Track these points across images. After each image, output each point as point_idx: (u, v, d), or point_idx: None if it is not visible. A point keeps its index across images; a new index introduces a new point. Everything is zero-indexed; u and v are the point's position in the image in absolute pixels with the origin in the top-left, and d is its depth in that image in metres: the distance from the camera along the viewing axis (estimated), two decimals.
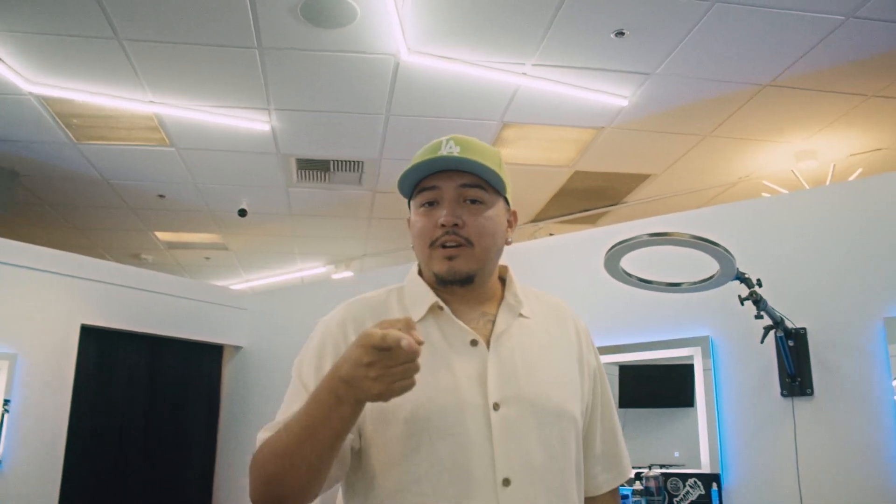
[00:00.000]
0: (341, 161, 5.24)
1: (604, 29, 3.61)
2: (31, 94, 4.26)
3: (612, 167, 5.32)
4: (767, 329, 3.19)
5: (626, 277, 3.27)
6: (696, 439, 3.73)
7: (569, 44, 3.75)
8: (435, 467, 1.14)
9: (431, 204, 1.24)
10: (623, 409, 3.97)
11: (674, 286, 3.32)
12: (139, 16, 3.54)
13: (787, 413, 3.33)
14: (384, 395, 0.99)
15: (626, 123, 4.60)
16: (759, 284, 3.00)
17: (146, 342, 4.94)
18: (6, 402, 4.42)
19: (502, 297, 1.31)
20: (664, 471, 3.72)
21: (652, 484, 3.70)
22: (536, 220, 6.31)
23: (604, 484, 1.36)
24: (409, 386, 1.00)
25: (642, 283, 3.29)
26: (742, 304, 3.01)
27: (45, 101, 4.36)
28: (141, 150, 5.05)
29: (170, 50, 3.84)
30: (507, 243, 1.32)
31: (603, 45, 3.74)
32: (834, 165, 5.07)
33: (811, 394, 3.31)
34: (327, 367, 1.14)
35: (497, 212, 1.26)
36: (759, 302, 3.02)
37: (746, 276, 2.98)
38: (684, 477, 3.67)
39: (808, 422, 3.25)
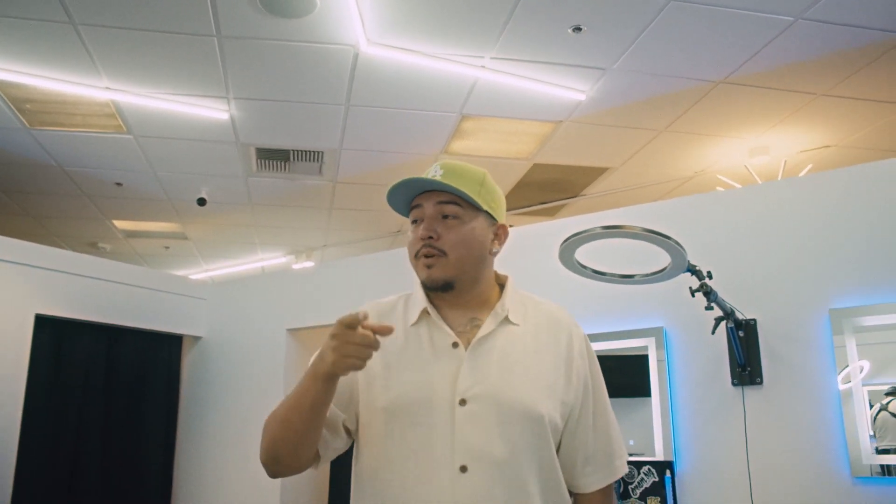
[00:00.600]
0: (301, 151, 5.23)
1: (561, 24, 3.66)
2: None
3: (570, 160, 5.38)
4: (718, 320, 3.25)
5: (581, 269, 3.32)
6: (651, 428, 3.80)
7: (527, 38, 3.78)
8: (403, 451, 1.34)
9: (416, 222, 1.45)
10: None
11: (627, 278, 3.37)
12: (95, 0, 3.49)
13: (737, 402, 3.39)
14: (337, 365, 1.21)
15: (584, 117, 4.66)
16: (710, 276, 3.07)
17: (103, 332, 4.87)
18: None
19: (495, 305, 1.47)
20: None
21: None
22: None
23: (594, 482, 1.47)
24: (358, 364, 1.22)
25: (596, 275, 3.34)
26: (693, 295, 3.07)
27: None
28: (97, 137, 4.97)
29: (126, 36, 3.79)
30: (492, 254, 1.49)
31: (561, 40, 3.79)
32: (785, 161, 5.19)
33: (760, 383, 3.37)
34: None
35: (475, 225, 1.43)
36: (709, 294, 3.09)
37: (697, 268, 3.05)
38: (639, 465, 3.73)
39: (757, 410, 3.30)
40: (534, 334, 1.46)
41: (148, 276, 5.19)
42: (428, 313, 1.45)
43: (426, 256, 1.41)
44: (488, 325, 1.43)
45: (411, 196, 1.46)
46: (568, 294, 4.15)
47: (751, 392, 3.40)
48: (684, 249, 2.98)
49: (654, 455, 3.72)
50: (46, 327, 4.82)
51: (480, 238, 1.44)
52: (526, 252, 4.37)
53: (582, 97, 4.38)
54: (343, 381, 1.35)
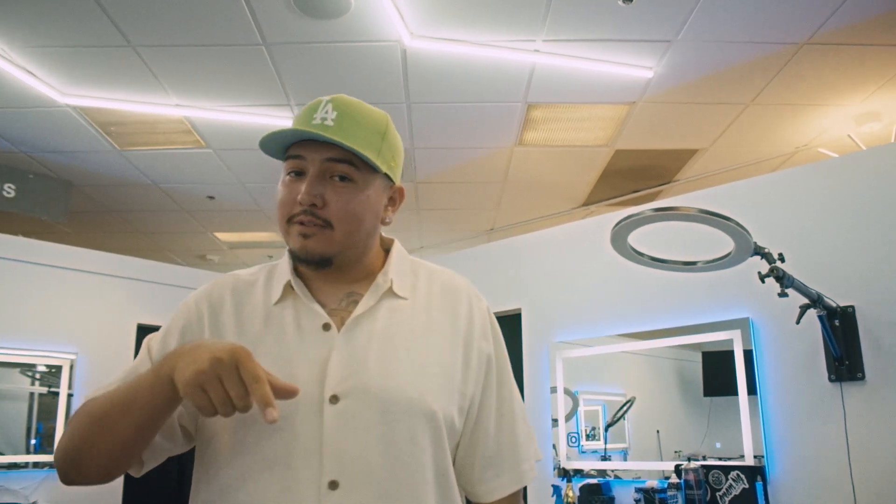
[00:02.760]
0: None
1: None
2: (67, 105, 4.42)
3: (655, 143, 5.05)
4: (804, 308, 2.96)
5: (637, 256, 3.11)
6: (739, 429, 3.52)
7: (575, 15, 3.56)
8: (258, 465, 1.04)
9: (298, 174, 1.14)
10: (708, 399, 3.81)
11: (689, 265, 3.12)
12: (144, 21, 3.60)
13: (835, 399, 3.11)
14: (187, 386, 0.92)
15: (658, 96, 4.34)
16: (782, 259, 2.78)
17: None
18: (70, 397, 4.67)
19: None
20: (704, 463, 3.53)
21: (691, 477, 3.51)
22: (587, 203, 6.09)
23: (497, 489, 1.20)
24: (209, 411, 0.93)
25: (655, 262, 3.12)
26: (763, 281, 2.80)
27: (82, 111, 4.52)
28: (180, 153, 5.17)
29: (181, 52, 3.89)
30: (384, 223, 1.21)
31: (612, 13, 3.53)
32: None
33: (862, 378, 3.11)
34: (171, 340, 1.15)
35: (371, 192, 1.15)
36: (781, 278, 2.80)
37: (766, 250, 2.77)
38: (727, 470, 3.47)
39: (859, 408, 3.03)
40: (425, 310, 1.18)
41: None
42: (293, 288, 1.16)
43: (302, 224, 1.11)
44: (368, 300, 1.15)
45: (290, 141, 1.15)
46: (641, 286, 3.92)
47: (851, 388, 3.11)
48: (747, 231, 2.72)
49: (743, 459, 3.44)
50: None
51: (375, 207, 1.17)
52: (596, 243, 4.17)
53: (650, 74, 4.08)
54: None
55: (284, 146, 1.16)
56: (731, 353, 3.67)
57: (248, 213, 6.44)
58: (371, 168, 1.14)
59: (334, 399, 1.05)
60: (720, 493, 3.48)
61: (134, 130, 4.80)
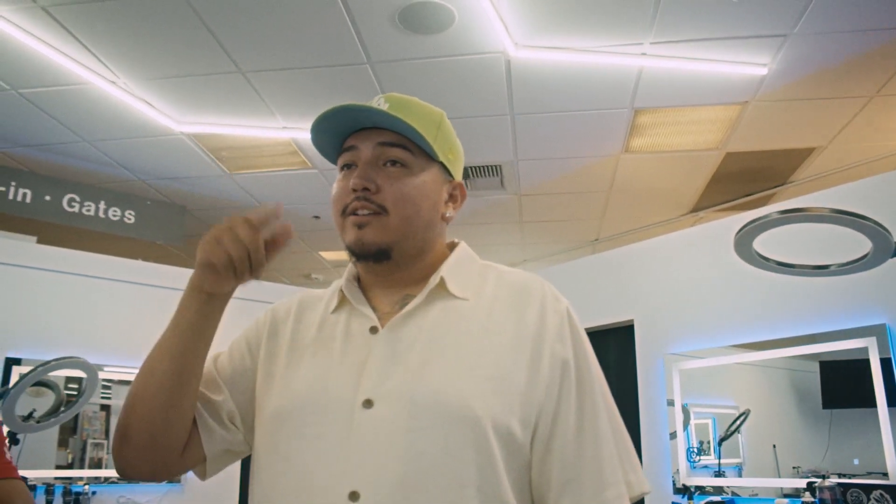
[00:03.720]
0: (478, 167, 5.19)
1: None
2: (181, 133, 4.61)
3: (767, 144, 4.82)
4: None
5: (763, 261, 2.97)
6: (880, 445, 3.29)
7: (685, 15, 3.44)
8: (286, 475, 0.98)
9: (350, 167, 1.08)
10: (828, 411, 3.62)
11: (821, 269, 2.97)
12: (253, 47, 3.71)
13: None
14: (200, 261, 0.97)
15: (772, 94, 4.14)
16: None
17: None
18: None
19: None
20: (842, 481, 3.32)
21: (827, 496, 3.31)
22: (696, 209, 5.88)
23: None
24: (219, 257, 0.96)
25: (782, 268, 2.98)
26: None
27: (196, 138, 4.70)
28: (287, 174, 5.30)
29: (289, 76, 3.98)
30: (445, 219, 1.13)
31: (723, 10, 3.39)
32: None
33: None
34: (235, 347, 1.16)
35: (427, 178, 1.08)
36: None
37: None
38: (868, 489, 3.25)
39: None
40: (486, 311, 1.06)
41: None
42: (344, 292, 1.11)
43: (357, 213, 1.04)
44: (416, 299, 1.06)
45: (344, 134, 1.09)
46: (766, 293, 3.75)
47: None
48: (888, 231, 2.56)
49: (887, 477, 3.22)
50: None
51: (432, 196, 1.09)
52: (717, 249, 4.01)
53: (764, 71, 3.89)
54: (238, 364, 1.11)
55: (337, 147, 1.11)
56: (854, 363, 3.46)
57: None
58: (426, 156, 1.09)
59: (367, 403, 0.97)
60: None
61: (243, 154, 4.96)
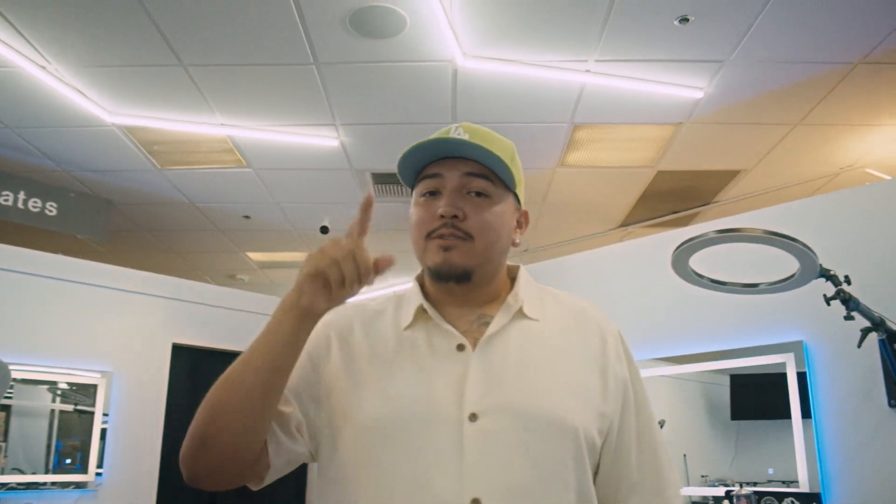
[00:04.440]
0: None
1: (665, 16, 3.39)
2: (113, 124, 4.45)
3: (697, 165, 5.02)
4: (865, 331, 2.91)
5: (697, 278, 3.07)
6: (793, 455, 3.45)
7: (630, 35, 3.55)
8: (393, 486, 1.02)
9: (433, 194, 1.15)
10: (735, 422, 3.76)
11: (750, 287, 3.08)
12: (198, 41, 3.62)
13: (895, 425, 3.03)
14: (308, 276, 0.99)
15: (706, 116, 4.32)
16: (848, 282, 2.74)
17: (235, 359, 5.06)
18: (105, 416, 4.64)
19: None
20: (757, 489, 3.47)
21: (743, 503, 3.44)
22: (625, 224, 6.06)
23: None
24: (335, 275, 0.99)
25: (715, 285, 3.08)
26: (828, 304, 2.76)
27: (128, 130, 4.55)
28: (220, 172, 5.18)
29: (232, 72, 3.91)
30: (514, 244, 1.22)
31: (667, 34, 3.52)
32: None
33: None
34: (298, 366, 1.12)
35: (504, 208, 1.17)
36: (848, 301, 2.76)
37: (832, 273, 2.74)
38: (780, 496, 3.41)
39: None
40: (557, 331, 1.17)
41: (276, 305, 5.36)
42: (424, 312, 1.16)
43: (442, 237, 1.12)
44: (499, 320, 1.14)
45: (424, 163, 1.17)
46: (693, 308, 3.88)
47: None
48: (814, 253, 2.68)
49: (798, 485, 3.38)
50: (183, 355, 5.08)
51: (508, 223, 1.18)
52: (649, 264, 4.13)
53: (700, 94, 4.06)
54: (304, 376, 1.13)
55: (417, 170, 1.18)
56: (764, 377, 3.62)
57: (281, 232, 6.45)
58: (504, 185, 1.16)
59: (473, 417, 1.04)
60: None
61: (177, 149, 4.82)
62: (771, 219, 3.72)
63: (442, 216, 1.11)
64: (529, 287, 1.22)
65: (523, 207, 1.25)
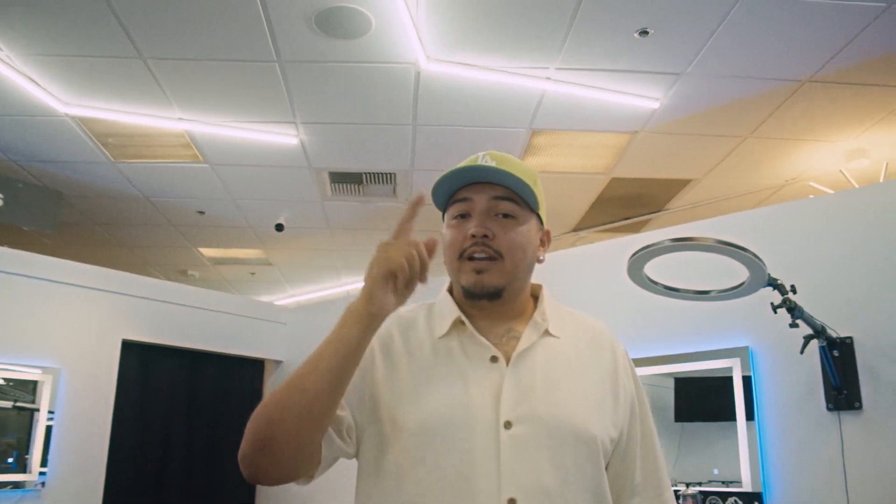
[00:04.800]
0: (373, 173, 5.22)
1: (626, 28, 3.49)
2: (67, 115, 4.36)
3: (650, 173, 5.15)
4: (807, 338, 3.02)
5: (652, 285, 3.15)
6: (737, 456, 3.56)
7: (591, 45, 3.64)
8: (439, 482, 1.14)
9: (464, 216, 1.26)
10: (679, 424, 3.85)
11: (702, 294, 3.18)
12: (159, 34, 3.58)
13: (833, 428, 3.15)
14: (380, 276, 1.08)
15: (661, 126, 4.44)
16: (794, 291, 2.85)
17: (187, 357, 5.00)
18: (50, 413, 4.53)
19: (532, 316, 1.31)
20: (702, 489, 3.57)
21: (690, 503, 3.54)
22: (577, 229, 6.17)
23: None
24: (403, 267, 1.08)
25: (669, 291, 3.16)
26: (775, 311, 2.86)
27: (81, 121, 4.46)
28: (176, 167, 5.12)
29: (193, 67, 3.87)
30: (539, 261, 1.33)
31: (627, 46, 3.62)
32: (887, 164, 4.80)
33: (859, 407, 3.14)
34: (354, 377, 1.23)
35: (529, 228, 1.27)
36: (793, 309, 2.86)
37: (779, 282, 2.84)
38: (724, 496, 3.51)
39: (856, 437, 3.06)
40: (575, 348, 1.30)
41: (229, 302, 5.31)
42: (462, 323, 1.27)
43: (477, 258, 1.23)
44: (528, 336, 1.26)
45: (456, 187, 1.28)
46: (646, 313, 3.96)
47: (848, 417, 3.15)
48: (763, 262, 2.78)
49: (741, 485, 3.49)
50: (133, 352, 4.99)
51: (533, 242, 1.29)
52: (603, 269, 4.21)
53: (656, 105, 4.17)
54: (353, 382, 1.17)
55: (449, 194, 1.30)
56: (709, 380, 3.73)
57: (235, 229, 6.39)
58: (528, 207, 1.27)
59: (508, 424, 1.16)
60: None
61: (132, 143, 4.75)
62: (722, 228, 3.83)
63: (473, 236, 1.23)
64: (552, 306, 1.34)
65: (546, 227, 1.36)
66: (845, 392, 3.21)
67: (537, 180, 1.30)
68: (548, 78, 3.94)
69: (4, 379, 4.46)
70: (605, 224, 6.07)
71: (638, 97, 4.09)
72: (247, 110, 4.36)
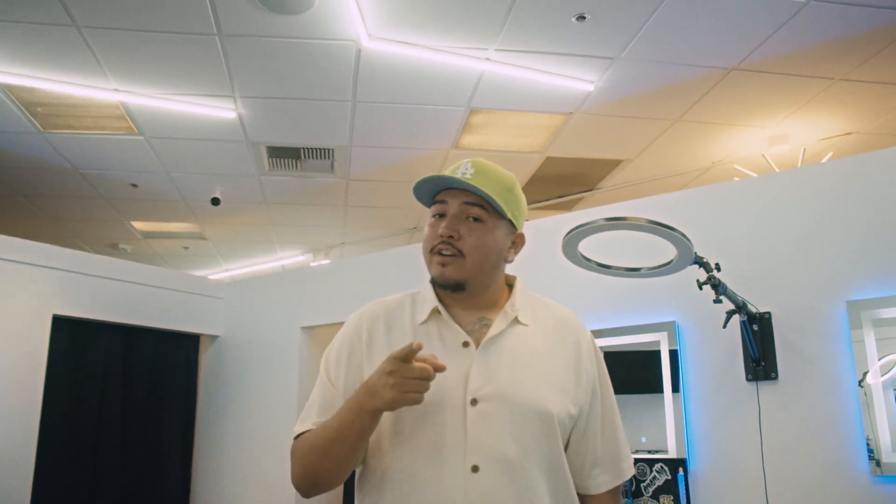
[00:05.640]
0: (311, 148, 5.21)
1: (564, 13, 3.58)
2: None
3: (583, 153, 5.29)
4: (730, 314, 3.16)
5: (585, 262, 3.25)
6: (664, 425, 3.72)
7: (530, 28, 3.72)
8: (415, 450, 1.33)
9: (441, 216, 1.44)
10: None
11: (633, 271, 3.30)
12: (95, 3, 3.49)
13: (751, 397, 3.30)
14: (396, 402, 1.24)
15: (595, 108, 4.57)
16: (718, 269, 2.98)
17: (120, 332, 4.90)
18: None
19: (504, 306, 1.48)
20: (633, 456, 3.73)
21: None
22: None
23: (603, 484, 1.48)
24: (418, 399, 1.24)
25: (602, 268, 3.27)
26: (700, 288, 2.99)
27: (8, 89, 4.31)
28: (109, 138, 5.01)
29: (129, 37, 3.79)
30: (507, 261, 1.50)
31: (565, 30, 3.71)
32: (804, 149, 5.05)
33: (776, 378, 3.29)
34: (343, 356, 1.46)
35: (497, 232, 1.44)
36: (717, 286, 3.00)
37: (705, 260, 2.96)
38: (651, 462, 3.66)
39: (772, 406, 3.21)
40: (543, 335, 1.47)
41: (164, 276, 5.22)
42: (439, 312, 1.45)
43: (442, 254, 1.41)
44: (498, 324, 1.43)
45: (437, 189, 1.45)
46: (578, 289, 4.08)
47: (766, 387, 3.31)
48: (690, 241, 2.90)
49: (666, 452, 3.65)
50: (64, 328, 4.87)
51: (500, 245, 1.45)
52: (537, 246, 4.31)
53: (591, 88, 4.29)
54: (352, 385, 1.38)
55: (431, 195, 1.46)
56: (643, 353, 3.88)
57: (169, 202, 6.28)
58: (498, 214, 1.42)
59: (474, 402, 1.34)
60: (644, 483, 3.69)
61: (63, 113, 4.62)
62: (651, 208, 3.95)
63: (441, 235, 1.40)
64: (523, 297, 1.52)
65: (521, 231, 1.51)
66: (763, 364, 3.36)
67: (513, 189, 1.45)
68: (487, 59, 4.01)
69: None
70: (539, 202, 6.20)
71: (573, 80, 4.20)
72: (185, 83, 4.29)
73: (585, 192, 6.01)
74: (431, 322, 1.44)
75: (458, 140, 5.05)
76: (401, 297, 1.54)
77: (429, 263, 1.45)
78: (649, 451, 3.76)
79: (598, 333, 4.05)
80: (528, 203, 5.72)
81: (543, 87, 4.29)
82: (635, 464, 3.67)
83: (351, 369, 1.44)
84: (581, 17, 3.61)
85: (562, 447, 1.40)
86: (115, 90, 4.36)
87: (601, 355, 1.56)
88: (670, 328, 3.79)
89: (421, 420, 1.33)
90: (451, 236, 1.40)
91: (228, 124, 4.79)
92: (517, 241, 1.51)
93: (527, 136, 5.00)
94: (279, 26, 3.68)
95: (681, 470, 3.53)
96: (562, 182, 5.86)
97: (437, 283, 1.45)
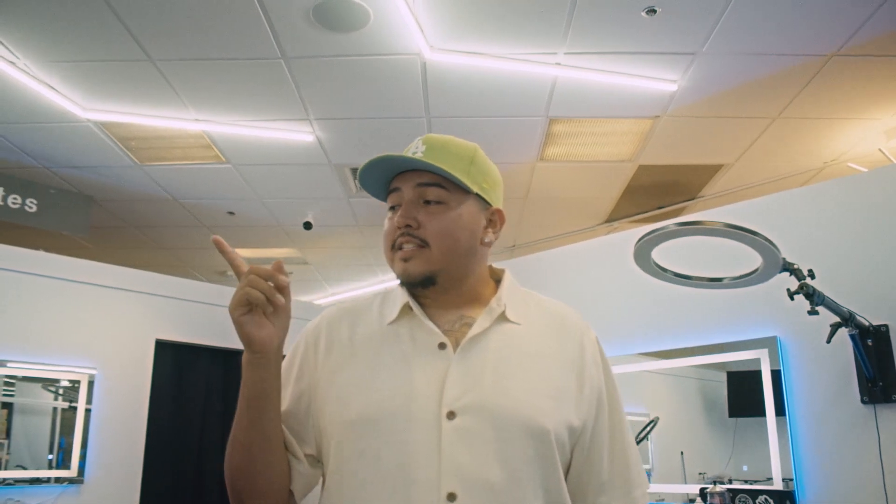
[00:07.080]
0: None
1: (632, 7, 3.35)
2: (88, 120, 4.44)
3: (677, 159, 4.97)
4: (835, 327, 2.86)
5: (660, 272, 3.03)
6: (767, 452, 3.41)
7: (597, 27, 3.51)
8: (378, 474, 1.10)
9: (395, 208, 1.23)
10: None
11: (715, 281, 3.04)
12: (163, 35, 3.60)
13: (869, 421, 2.99)
14: (235, 300, 1.06)
15: (683, 110, 4.27)
16: (812, 276, 2.69)
17: (220, 355, 5.06)
18: (87, 411, 4.64)
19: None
20: (731, 486, 3.43)
21: (717, 501, 3.40)
22: (610, 219, 6.01)
23: None
24: (257, 297, 1.05)
25: (679, 279, 3.04)
26: (792, 298, 2.71)
27: (103, 126, 4.54)
28: (200, 168, 5.17)
29: (201, 67, 3.89)
30: (485, 244, 1.26)
31: (634, 26, 3.47)
32: None
33: None
34: (295, 366, 1.25)
35: (464, 211, 1.21)
36: (811, 295, 2.71)
37: (795, 266, 2.69)
38: (754, 494, 3.37)
39: (894, 431, 2.89)
40: (537, 336, 1.22)
41: None
42: (410, 308, 1.21)
43: (403, 248, 1.20)
44: (482, 322, 1.19)
45: (388, 177, 1.24)
46: (664, 304, 3.83)
47: (885, 410, 2.97)
48: (775, 246, 2.64)
49: (771, 483, 3.34)
50: (167, 352, 5.08)
51: (470, 226, 1.22)
52: (608, 258, 4.09)
53: (674, 87, 4.01)
54: (295, 399, 1.21)
55: (384, 185, 1.25)
56: (757, 373, 3.57)
57: (267, 228, 6.44)
58: (462, 190, 1.20)
59: (451, 415, 1.10)
60: None
61: (154, 145, 4.81)
62: (750, 213, 3.67)
63: (398, 226, 1.19)
64: (514, 292, 1.27)
65: (497, 206, 1.27)
66: (881, 384, 3.04)
67: (475, 158, 1.23)
68: (557, 63, 3.82)
69: (45, 379, 4.59)
70: (639, 214, 5.90)
71: (653, 80, 3.94)
72: (259, 108, 4.36)
73: (687, 201, 5.66)
74: (402, 321, 1.21)
75: (543, 152, 4.88)
76: (369, 297, 1.32)
77: (391, 262, 1.23)
78: (746, 482, 3.46)
79: (688, 352, 3.77)
80: (628, 215, 5.48)
81: (622, 89, 4.04)
82: (736, 495, 3.39)
83: (309, 406, 1.22)
84: (651, 11, 3.36)
85: (560, 471, 1.14)
86: (196, 120, 4.49)
87: (608, 362, 1.30)
88: (771, 344, 3.48)
89: (386, 437, 1.10)
90: (408, 225, 1.18)
91: (308, 148, 4.84)
92: (494, 219, 1.26)
93: (614, 144, 4.76)
94: (340, 45, 3.66)
95: (788, 503, 3.23)
96: (660, 192, 5.55)
97: (403, 283, 1.22)
